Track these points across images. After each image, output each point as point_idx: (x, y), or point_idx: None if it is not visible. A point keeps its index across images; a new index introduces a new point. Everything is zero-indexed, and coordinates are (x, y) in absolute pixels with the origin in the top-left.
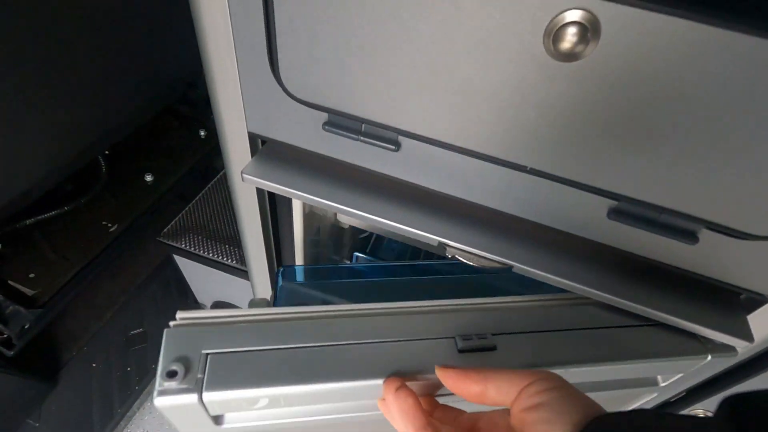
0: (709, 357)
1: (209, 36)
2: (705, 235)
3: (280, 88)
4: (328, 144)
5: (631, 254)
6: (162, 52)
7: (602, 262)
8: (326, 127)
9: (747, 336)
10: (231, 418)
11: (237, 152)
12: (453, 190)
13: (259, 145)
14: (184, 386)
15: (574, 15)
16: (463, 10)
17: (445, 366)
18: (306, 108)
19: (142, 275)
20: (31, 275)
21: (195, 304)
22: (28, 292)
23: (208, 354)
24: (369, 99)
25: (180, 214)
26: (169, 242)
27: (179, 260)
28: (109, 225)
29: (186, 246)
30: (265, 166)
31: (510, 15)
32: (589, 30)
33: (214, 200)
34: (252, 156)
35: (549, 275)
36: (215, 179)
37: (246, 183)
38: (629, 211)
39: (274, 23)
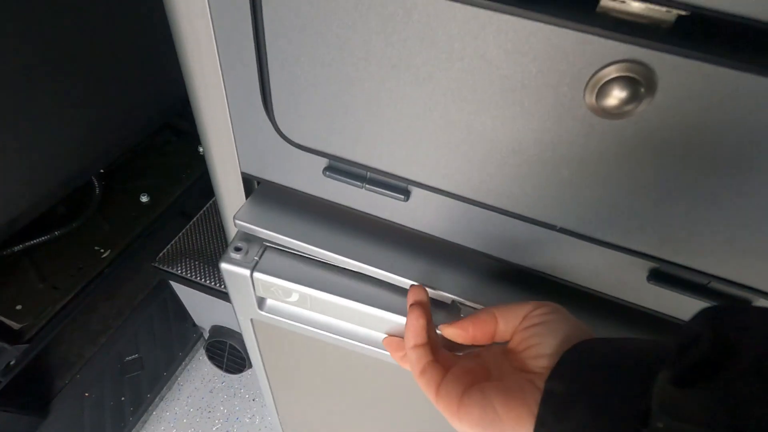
0: None
1: (195, 69)
2: (763, 303)
3: (275, 131)
4: (329, 188)
5: (673, 318)
6: (159, 67)
7: (641, 326)
8: (327, 173)
9: None
10: (270, 308)
11: (229, 192)
12: (470, 243)
13: (254, 184)
14: (242, 260)
15: (624, 69)
16: (491, 60)
17: (450, 323)
18: (304, 152)
19: (138, 297)
20: (18, 307)
21: (194, 327)
22: (14, 326)
23: (266, 246)
24: (375, 146)
25: (176, 237)
26: (165, 268)
27: (175, 285)
28: (102, 251)
29: (182, 272)
30: (259, 211)
31: (544, 67)
32: (642, 85)
33: (212, 221)
34: (246, 196)
35: None
36: (214, 198)
37: (239, 228)
38: (673, 275)
39: (266, 62)
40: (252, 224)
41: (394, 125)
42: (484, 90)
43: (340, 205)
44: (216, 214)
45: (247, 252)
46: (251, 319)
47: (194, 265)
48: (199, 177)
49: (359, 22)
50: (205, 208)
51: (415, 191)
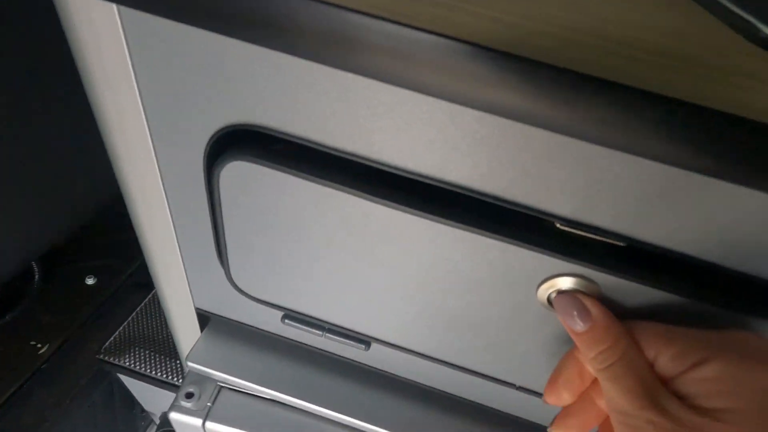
0: None
1: (143, 218)
2: None
3: (231, 285)
4: (288, 330)
5: None
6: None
7: None
8: (286, 321)
9: None
10: None
11: (183, 324)
12: (431, 383)
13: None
14: (194, 409)
15: (570, 281)
16: (449, 259)
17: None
18: (259, 303)
19: (79, 384)
20: None
21: (142, 414)
22: None
23: (221, 387)
24: (333, 307)
25: (124, 323)
26: (111, 360)
27: (123, 377)
28: (39, 345)
29: (130, 364)
30: (213, 348)
31: (499, 270)
32: (588, 295)
33: None
34: (201, 328)
35: None
36: None
37: (191, 370)
38: None
39: (223, 233)
40: (205, 366)
41: (356, 295)
42: (443, 278)
43: (300, 343)
44: None
45: (199, 397)
46: None
47: (143, 354)
48: None
49: (320, 217)
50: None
51: (377, 344)
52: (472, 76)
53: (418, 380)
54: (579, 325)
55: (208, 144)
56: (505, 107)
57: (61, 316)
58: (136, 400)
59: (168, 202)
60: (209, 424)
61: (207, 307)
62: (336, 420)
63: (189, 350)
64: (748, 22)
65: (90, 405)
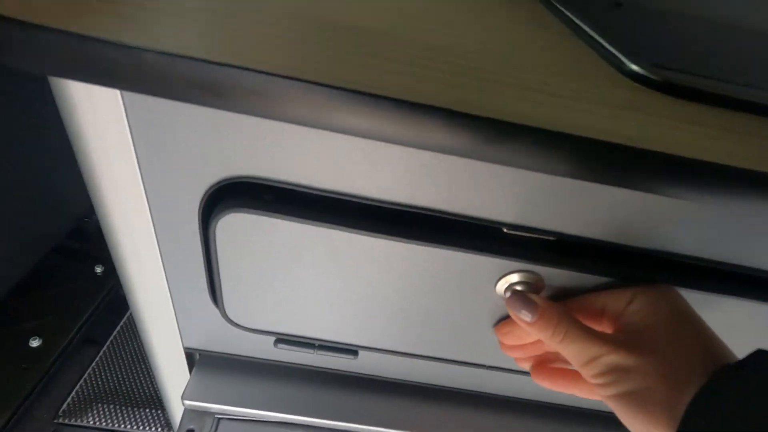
0: None
1: (133, 274)
2: None
3: (225, 320)
4: (279, 353)
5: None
6: (43, 188)
7: None
8: (279, 345)
9: None
10: None
11: (170, 369)
12: (413, 378)
13: (196, 355)
14: None
15: (521, 275)
16: (422, 270)
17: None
18: (255, 333)
19: None
20: None
21: None
22: None
23: (219, 418)
24: (322, 325)
25: (81, 381)
26: (71, 422)
27: None
28: None
29: (95, 422)
30: (206, 384)
31: (461, 276)
32: (534, 286)
33: (124, 351)
34: (189, 368)
35: None
36: (120, 324)
37: (187, 408)
38: None
39: (218, 275)
40: (202, 402)
41: (342, 311)
42: (417, 287)
43: (291, 364)
44: (127, 341)
45: None
46: None
47: (108, 410)
48: (99, 303)
49: (309, 251)
50: (111, 338)
51: (364, 351)
52: (418, 127)
53: (401, 378)
54: (528, 317)
55: (203, 198)
56: (449, 149)
57: (8, 386)
58: None
59: (161, 255)
60: None
61: (196, 344)
62: (331, 427)
63: (178, 391)
64: (616, 56)
65: None
